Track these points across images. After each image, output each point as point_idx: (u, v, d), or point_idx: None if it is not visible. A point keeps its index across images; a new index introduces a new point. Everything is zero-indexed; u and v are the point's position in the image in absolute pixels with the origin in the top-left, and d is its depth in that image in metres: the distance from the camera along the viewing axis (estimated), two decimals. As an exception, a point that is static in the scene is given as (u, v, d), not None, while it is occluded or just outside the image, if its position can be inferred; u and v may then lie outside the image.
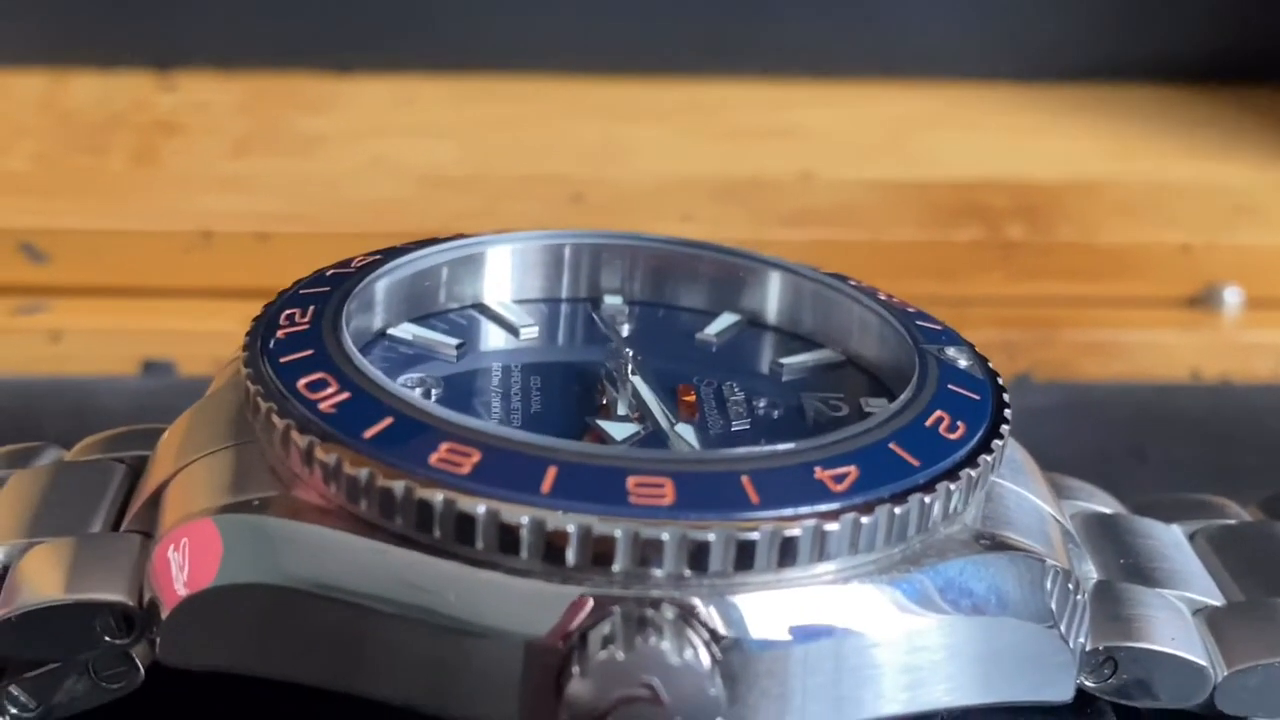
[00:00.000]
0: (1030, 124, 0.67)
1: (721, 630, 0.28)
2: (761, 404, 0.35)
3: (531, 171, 0.61)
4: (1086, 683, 0.33)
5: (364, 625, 0.29)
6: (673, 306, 0.39)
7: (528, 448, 0.29)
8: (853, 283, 0.38)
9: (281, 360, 0.31)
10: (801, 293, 0.38)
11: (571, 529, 0.27)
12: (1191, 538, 0.37)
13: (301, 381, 0.31)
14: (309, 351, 0.32)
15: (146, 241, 0.56)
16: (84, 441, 0.37)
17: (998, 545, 0.31)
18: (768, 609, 0.28)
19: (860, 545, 0.29)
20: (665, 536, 0.27)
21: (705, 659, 0.27)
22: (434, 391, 0.34)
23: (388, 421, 0.29)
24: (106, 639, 0.31)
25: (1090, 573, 0.35)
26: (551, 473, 0.28)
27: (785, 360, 0.37)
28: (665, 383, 0.35)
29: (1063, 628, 0.32)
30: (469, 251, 0.38)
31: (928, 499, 0.29)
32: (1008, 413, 0.33)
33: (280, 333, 0.32)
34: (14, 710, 0.31)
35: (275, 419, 0.30)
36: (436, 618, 0.28)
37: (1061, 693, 0.32)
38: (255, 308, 0.35)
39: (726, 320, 0.39)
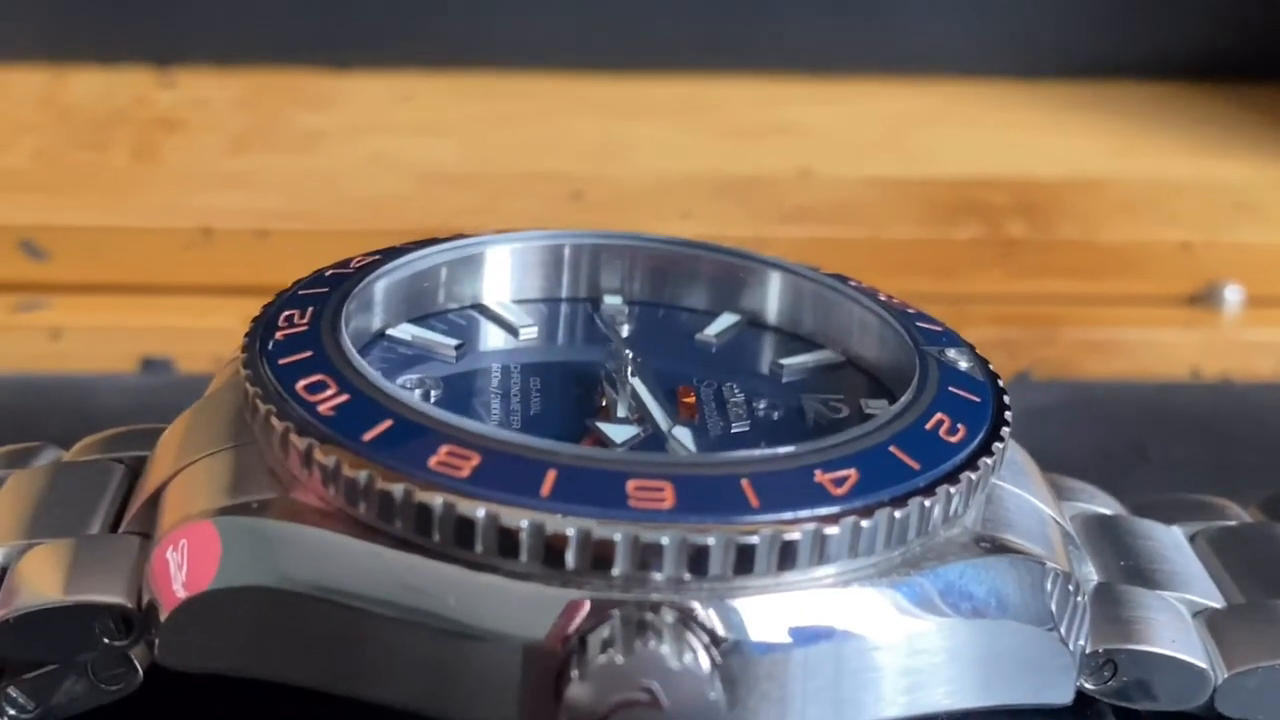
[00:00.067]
0: (1030, 121, 0.67)
1: (721, 634, 0.28)
2: (761, 405, 0.35)
3: (531, 169, 0.61)
4: (1086, 685, 0.33)
5: (363, 628, 0.29)
6: (673, 307, 0.39)
7: (527, 451, 0.29)
8: (853, 283, 0.38)
9: (280, 362, 0.31)
10: (802, 293, 0.38)
11: (571, 532, 0.27)
12: (1192, 539, 0.37)
13: (300, 383, 0.31)
14: (308, 353, 0.32)
15: (146, 238, 0.56)
16: (82, 442, 0.37)
17: (998, 548, 0.31)
18: (767, 612, 0.28)
19: (860, 548, 0.29)
20: (665, 540, 0.27)
21: (705, 663, 0.27)
22: (433, 392, 0.34)
23: (387, 424, 0.29)
24: (105, 640, 0.31)
25: (1090, 574, 0.35)
26: (551, 476, 0.28)
27: (785, 361, 0.37)
28: (665, 384, 0.35)
29: (1063, 630, 0.31)
30: (468, 252, 0.38)
31: (928, 502, 0.29)
32: (1008, 415, 0.33)
33: (279, 334, 0.32)
34: (12, 711, 0.31)
35: (274, 421, 0.30)
36: (436, 621, 0.28)
37: (1061, 695, 0.32)
38: (255, 305, 0.35)
39: (726, 321, 0.39)
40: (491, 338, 0.37)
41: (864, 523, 0.28)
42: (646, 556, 0.27)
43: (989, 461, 0.31)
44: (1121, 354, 0.56)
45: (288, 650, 0.29)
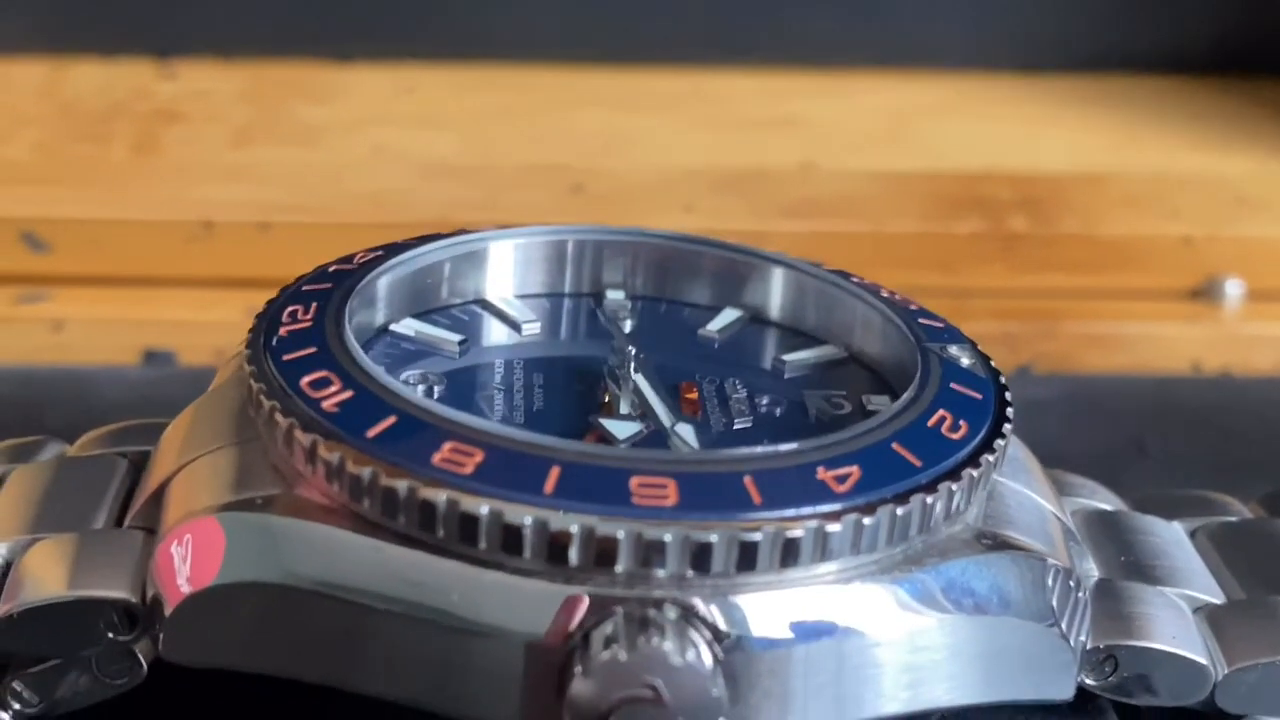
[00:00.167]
0: (1032, 115, 0.67)
1: (724, 630, 0.28)
2: (764, 401, 0.35)
3: (532, 161, 0.61)
4: (1087, 681, 0.33)
5: (366, 624, 0.29)
6: (675, 302, 0.39)
7: (531, 448, 0.29)
8: (855, 279, 0.38)
9: (284, 358, 0.31)
10: (804, 289, 0.38)
11: (574, 529, 0.27)
12: (1193, 535, 0.37)
13: (304, 380, 0.31)
14: (312, 349, 0.32)
15: (148, 231, 0.56)
16: (86, 436, 0.37)
17: (1000, 545, 0.31)
18: (770, 609, 0.28)
19: (862, 545, 0.29)
20: (668, 537, 0.27)
21: (707, 659, 0.27)
22: (436, 388, 0.34)
23: (391, 420, 0.29)
24: (109, 635, 0.31)
25: (1091, 570, 0.35)
26: (554, 473, 0.28)
27: (788, 357, 0.37)
28: (667, 379, 0.35)
29: (1064, 627, 0.32)
30: (471, 247, 0.38)
31: (930, 499, 0.29)
32: (1010, 411, 0.33)
33: (283, 330, 0.32)
34: (17, 706, 0.32)
35: (278, 417, 0.30)
36: (439, 617, 0.28)
37: (1062, 691, 0.32)
38: (256, 297, 0.35)
39: (729, 316, 0.39)
40: (494, 333, 0.38)
41: (866, 520, 0.28)
42: (649, 553, 0.28)
43: (991, 458, 0.31)
44: (1122, 348, 0.56)
45: (291, 646, 0.30)
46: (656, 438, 0.33)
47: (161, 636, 0.30)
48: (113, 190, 0.58)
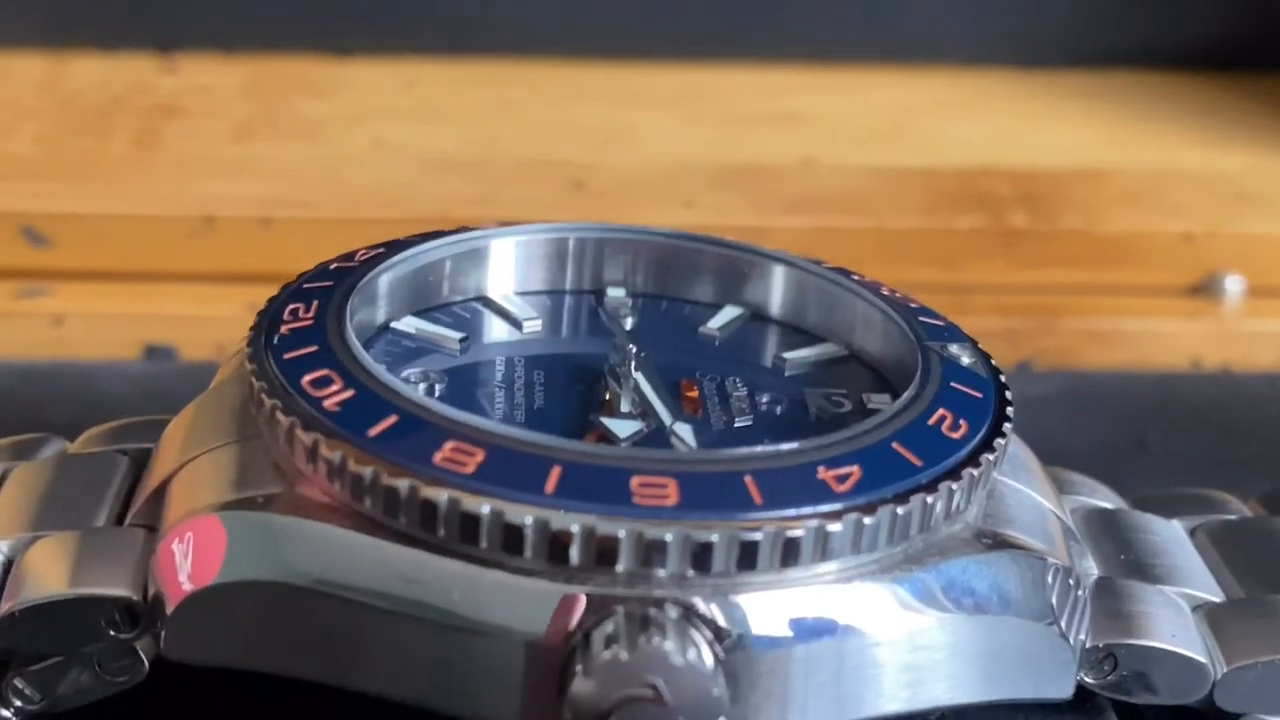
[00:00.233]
0: (1033, 111, 0.67)
1: (724, 629, 0.28)
2: (764, 400, 0.35)
3: (533, 157, 0.61)
4: (1086, 679, 0.33)
5: (367, 623, 0.29)
6: (676, 299, 0.39)
7: (532, 447, 0.29)
8: (856, 277, 0.38)
9: (285, 356, 0.31)
10: (805, 287, 0.38)
11: (575, 529, 0.28)
12: (1192, 533, 0.38)
13: (306, 378, 0.31)
14: (313, 348, 0.32)
15: (148, 226, 0.56)
16: (87, 433, 0.37)
17: (1000, 544, 0.31)
18: (770, 609, 0.28)
19: (863, 545, 0.29)
20: (669, 537, 0.27)
21: (708, 659, 0.27)
22: (437, 385, 0.34)
23: (392, 419, 0.29)
24: (111, 633, 0.31)
25: (1091, 569, 0.35)
26: (555, 472, 0.28)
27: (788, 355, 0.37)
28: (668, 377, 0.36)
29: (1063, 625, 0.32)
30: (472, 244, 0.38)
31: (930, 499, 0.29)
32: (1010, 410, 0.33)
33: (284, 328, 0.33)
34: (19, 703, 0.32)
35: (280, 416, 0.30)
36: (440, 616, 0.28)
37: (1062, 690, 0.32)
38: (257, 292, 0.35)
39: (730, 314, 0.39)
40: (495, 330, 0.38)
41: (867, 519, 0.29)
42: (650, 553, 0.28)
43: (991, 457, 0.31)
44: (1122, 344, 0.56)
45: (292, 644, 0.30)
46: (657, 436, 0.33)
47: (163, 634, 0.30)
48: (113, 185, 0.58)
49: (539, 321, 0.38)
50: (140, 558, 0.31)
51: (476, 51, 0.68)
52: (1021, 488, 0.34)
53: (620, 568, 0.28)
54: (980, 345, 0.36)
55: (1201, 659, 0.33)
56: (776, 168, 0.61)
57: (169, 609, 0.30)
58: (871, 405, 0.35)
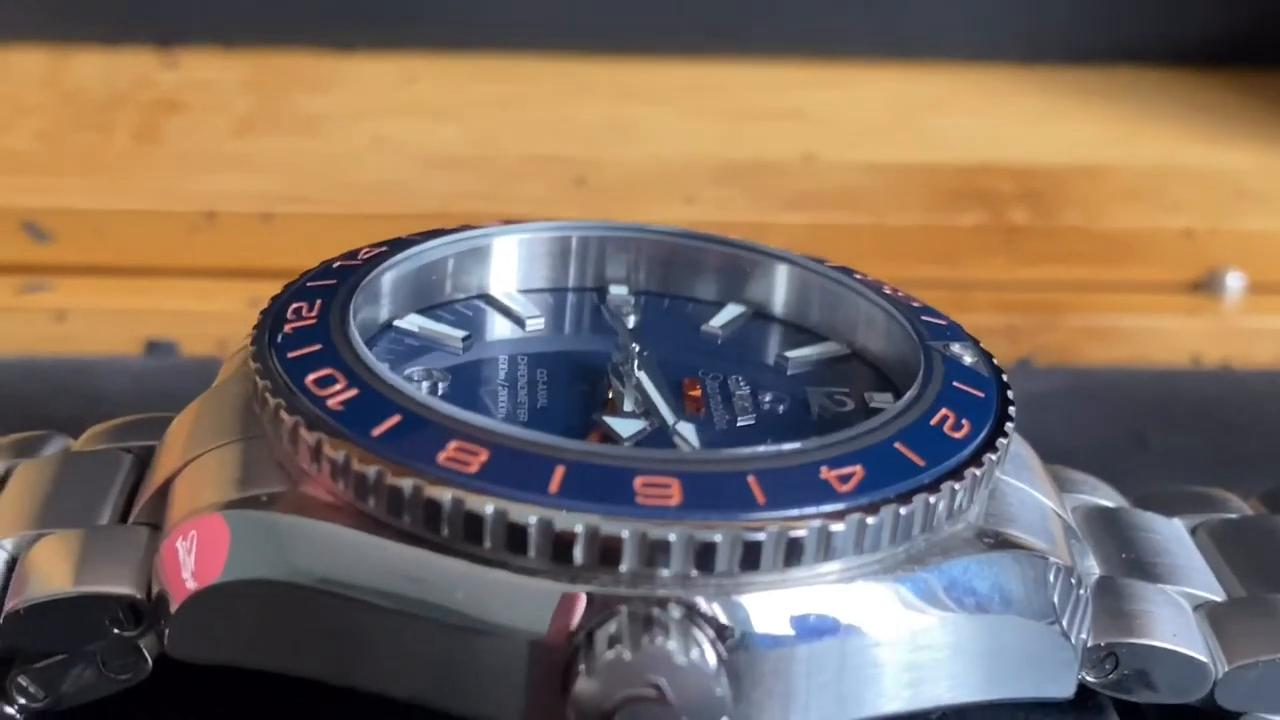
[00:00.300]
0: (1034, 107, 0.67)
1: (727, 629, 0.28)
2: (767, 398, 0.35)
3: (534, 152, 0.61)
4: (1087, 678, 0.33)
5: (371, 622, 0.29)
6: (679, 297, 0.39)
7: (536, 447, 0.29)
8: (859, 276, 0.38)
9: (289, 355, 0.31)
10: (807, 285, 0.38)
11: (579, 529, 0.28)
12: (1193, 532, 0.38)
13: (309, 377, 0.31)
14: (317, 346, 0.32)
15: (150, 221, 0.56)
16: (90, 431, 0.37)
17: (1001, 543, 0.31)
18: (773, 608, 0.28)
19: (865, 545, 0.29)
20: (672, 537, 0.28)
21: (711, 658, 0.28)
22: (440, 384, 0.34)
23: (396, 419, 0.29)
24: (114, 631, 0.31)
25: (1092, 568, 0.35)
26: (559, 472, 0.28)
27: (790, 353, 0.37)
28: (670, 376, 0.36)
29: (1065, 624, 0.32)
30: (475, 243, 0.38)
31: (933, 499, 0.30)
32: (1012, 410, 0.33)
33: (288, 327, 0.33)
34: (22, 700, 0.32)
35: (283, 415, 0.30)
36: (443, 615, 0.28)
37: (1063, 689, 0.32)
38: (258, 287, 0.35)
39: (732, 312, 0.39)
40: (498, 328, 0.38)
41: (869, 519, 0.29)
42: (653, 553, 0.28)
43: (993, 457, 0.31)
44: (1123, 340, 0.56)
45: (296, 643, 0.30)
46: (660, 435, 0.33)
47: (167, 632, 0.30)
48: (114, 180, 0.58)
49: (541, 319, 0.38)
50: (144, 556, 0.31)
51: (478, 47, 0.68)
52: (1023, 487, 0.34)
53: (623, 568, 0.28)
54: (981, 343, 0.36)
55: (1202, 658, 0.33)
56: (778, 164, 0.61)
57: (173, 607, 0.30)
58: (874, 404, 0.35)
